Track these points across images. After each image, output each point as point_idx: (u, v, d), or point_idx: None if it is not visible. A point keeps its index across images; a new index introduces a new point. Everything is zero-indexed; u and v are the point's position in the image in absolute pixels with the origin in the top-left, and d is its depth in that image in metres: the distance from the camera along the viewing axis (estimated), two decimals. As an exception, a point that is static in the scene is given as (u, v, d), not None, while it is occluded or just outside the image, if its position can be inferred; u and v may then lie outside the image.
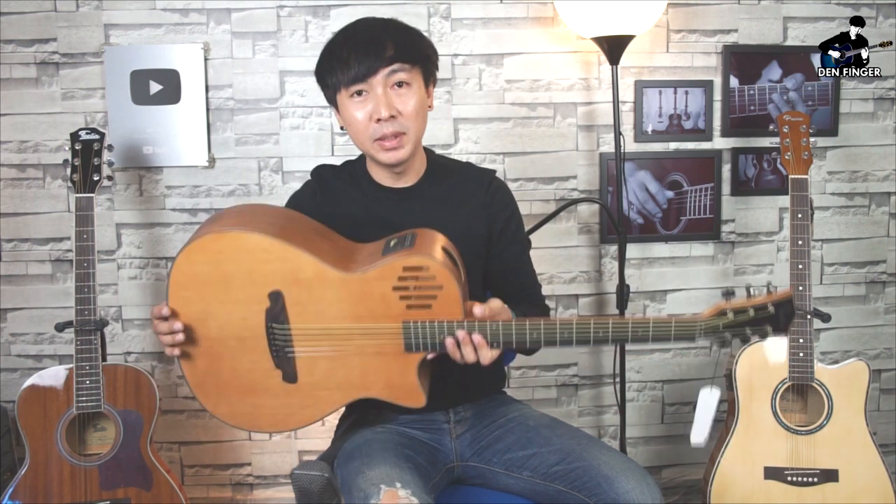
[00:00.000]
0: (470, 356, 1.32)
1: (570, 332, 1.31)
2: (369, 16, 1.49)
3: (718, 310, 1.29)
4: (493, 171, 1.62)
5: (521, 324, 1.31)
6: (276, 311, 1.38)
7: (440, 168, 1.59)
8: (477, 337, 1.30)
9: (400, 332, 1.34)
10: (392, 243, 1.37)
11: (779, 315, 1.27)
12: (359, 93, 1.42)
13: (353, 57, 1.40)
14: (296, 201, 1.60)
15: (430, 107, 1.50)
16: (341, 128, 1.51)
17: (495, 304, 1.35)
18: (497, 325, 1.31)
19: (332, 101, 1.49)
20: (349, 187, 1.56)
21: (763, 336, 1.29)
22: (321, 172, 1.61)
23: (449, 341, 1.31)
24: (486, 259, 1.58)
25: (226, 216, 1.42)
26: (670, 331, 1.30)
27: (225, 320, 1.39)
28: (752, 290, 1.31)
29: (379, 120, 1.41)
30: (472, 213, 1.55)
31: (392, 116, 1.41)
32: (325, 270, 1.35)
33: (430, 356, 1.36)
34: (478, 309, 1.31)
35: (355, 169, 1.59)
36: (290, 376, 1.40)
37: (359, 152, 1.63)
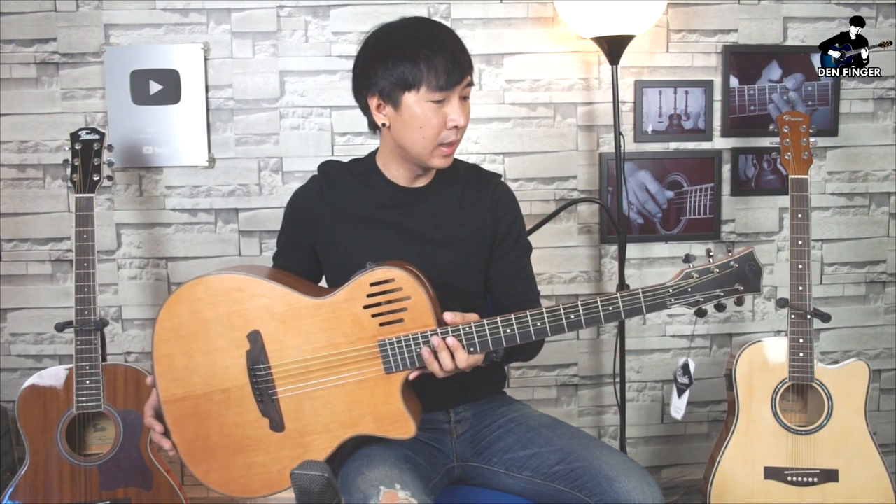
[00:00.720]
0: (447, 363, 1.33)
1: (542, 320, 1.32)
2: (427, 18, 1.51)
3: (682, 273, 1.31)
4: (500, 176, 1.64)
5: (492, 321, 1.33)
6: (256, 352, 1.39)
7: (450, 169, 1.58)
8: (451, 340, 1.32)
9: (377, 352, 1.35)
10: (357, 271, 1.38)
11: (744, 270, 1.30)
12: (438, 99, 1.40)
13: (444, 63, 1.38)
14: (299, 198, 1.59)
15: None
16: (383, 124, 1.47)
17: (471, 315, 1.37)
18: (470, 326, 1.33)
19: (391, 95, 1.42)
20: (359, 185, 1.55)
21: (739, 301, 1.32)
22: (329, 168, 1.60)
23: (425, 351, 1.33)
24: (488, 262, 1.59)
25: (209, 271, 1.45)
26: (640, 302, 1.31)
27: (209, 372, 1.39)
28: (710, 253, 1.33)
29: (454, 127, 1.43)
30: (477, 215, 1.56)
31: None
32: (297, 300, 1.37)
33: (411, 376, 1.36)
34: (448, 315, 1.34)
35: (365, 167, 1.58)
36: (277, 424, 1.40)
37: (363, 152, 1.63)
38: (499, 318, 1.33)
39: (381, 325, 1.35)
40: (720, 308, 1.33)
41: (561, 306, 1.32)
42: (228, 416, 1.40)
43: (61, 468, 1.94)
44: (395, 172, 1.54)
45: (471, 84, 1.45)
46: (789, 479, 1.98)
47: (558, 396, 2.55)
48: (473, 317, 1.37)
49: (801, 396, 2.06)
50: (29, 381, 1.96)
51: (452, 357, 1.33)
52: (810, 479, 1.97)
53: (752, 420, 2.00)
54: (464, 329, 1.33)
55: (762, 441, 1.99)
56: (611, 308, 1.31)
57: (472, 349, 1.34)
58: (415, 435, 1.37)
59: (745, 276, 1.30)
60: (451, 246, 1.52)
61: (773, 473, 1.98)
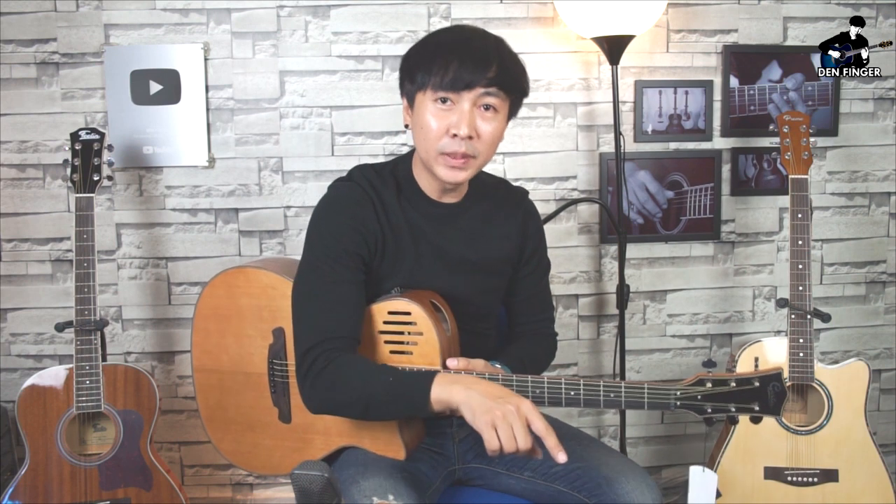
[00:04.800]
0: None
1: (542, 390, 1.31)
2: (478, 26, 1.41)
3: (696, 378, 1.25)
4: (526, 192, 1.60)
5: (493, 378, 1.32)
6: (278, 347, 1.48)
7: (481, 184, 1.54)
8: None
9: None
10: (384, 295, 1.41)
11: (766, 390, 1.21)
12: (444, 100, 1.33)
13: (457, 64, 1.31)
14: (358, 216, 1.41)
15: (501, 138, 1.42)
16: (406, 126, 1.43)
17: (476, 362, 1.37)
18: (472, 375, 1.32)
19: (411, 95, 1.39)
20: (396, 197, 1.45)
21: (756, 419, 1.24)
22: (368, 178, 1.45)
23: None
24: (511, 280, 1.58)
25: (251, 261, 1.56)
26: (643, 397, 1.27)
27: (236, 354, 1.51)
28: (734, 362, 1.28)
29: (455, 136, 1.33)
30: (507, 234, 1.53)
31: (470, 137, 1.33)
32: None
33: None
34: (452, 361, 1.34)
35: (399, 172, 1.48)
36: (285, 416, 1.49)
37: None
38: (500, 376, 1.33)
39: (392, 352, 1.39)
40: (732, 421, 1.26)
41: (563, 381, 1.30)
42: (246, 396, 1.52)
43: (61, 468, 1.94)
44: (426, 183, 1.46)
45: (493, 96, 1.33)
46: (789, 479, 1.98)
47: (558, 396, 2.55)
48: (479, 363, 1.37)
49: (802, 396, 2.06)
50: (29, 381, 1.96)
51: None
52: (810, 479, 1.97)
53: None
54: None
55: (762, 441, 1.99)
56: (612, 395, 1.28)
57: None
58: (403, 459, 1.39)
59: (765, 397, 1.21)
60: (481, 266, 1.50)
61: (773, 473, 1.98)
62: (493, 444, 1.18)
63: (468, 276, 1.48)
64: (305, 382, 1.33)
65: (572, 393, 1.29)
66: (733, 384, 1.23)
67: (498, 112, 1.36)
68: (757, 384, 1.22)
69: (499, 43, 1.37)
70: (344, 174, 1.51)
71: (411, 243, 1.44)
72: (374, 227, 1.41)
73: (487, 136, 1.36)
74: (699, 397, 1.24)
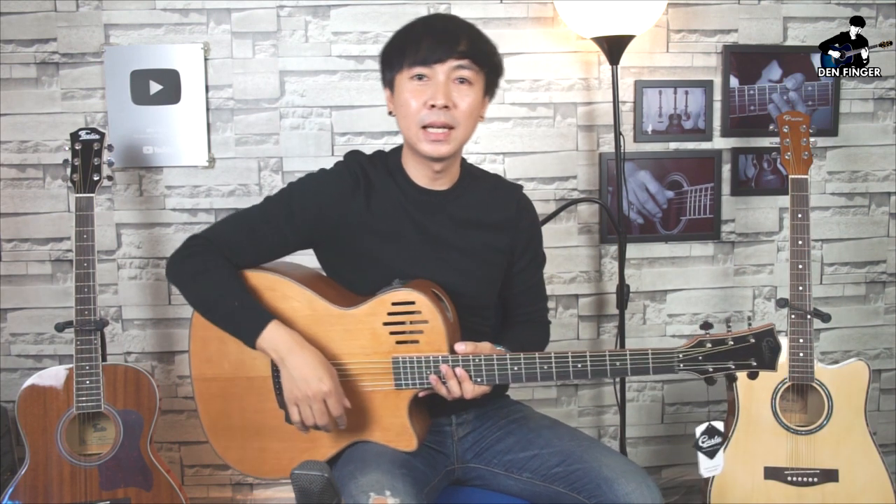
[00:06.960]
0: (455, 390, 1.36)
1: (550, 365, 1.35)
2: (443, 13, 1.50)
3: (696, 340, 1.31)
4: (521, 187, 1.62)
5: (501, 358, 1.36)
6: None
7: (472, 176, 1.58)
8: (460, 370, 1.35)
9: (390, 367, 1.39)
10: (384, 287, 1.42)
11: (760, 346, 1.30)
12: (420, 77, 1.40)
13: (427, 41, 1.39)
14: (329, 193, 1.47)
15: (481, 117, 1.48)
16: (389, 112, 1.49)
17: (483, 345, 1.39)
18: (479, 359, 1.36)
19: (391, 82, 1.46)
20: (386, 179, 1.50)
21: (753, 375, 1.31)
22: (360, 161, 1.51)
23: (433, 378, 1.37)
24: (505, 273, 1.58)
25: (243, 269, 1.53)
26: (648, 362, 1.32)
27: (238, 359, 1.48)
28: (730, 324, 1.33)
29: (433, 107, 1.39)
30: (499, 225, 1.55)
31: (446, 107, 1.39)
32: (323, 307, 1.42)
33: (421, 394, 1.40)
34: (460, 346, 1.37)
35: (389, 161, 1.53)
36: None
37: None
38: (508, 356, 1.36)
39: (398, 342, 1.39)
40: (731, 378, 1.33)
41: (570, 354, 1.34)
42: (250, 401, 1.48)
43: (61, 468, 1.94)
44: (414, 170, 1.50)
45: (466, 68, 1.40)
46: (789, 479, 1.98)
47: (558, 396, 2.55)
48: (486, 346, 1.39)
49: (801, 396, 2.06)
50: (29, 381, 1.96)
51: (459, 385, 1.36)
52: (810, 479, 1.97)
53: (751, 420, 2.00)
54: (473, 360, 1.36)
55: (762, 441, 1.99)
56: (618, 364, 1.33)
57: (478, 380, 1.37)
58: (415, 449, 1.40)
59: (761, 353, 1.30)
60: (470, 255, 1.51)
61: (773, 473, 1.98)
62: (295, 417, 1.38)
63: (458, 264, 1.49)
64: (177, 256, 1.45)
65: (579, 365, 1.34)
66: (731, 342, 1.30)
67: (473, 85, 1.42)
68: (752, 340, 1.30)
69: (468, 24, 1.46)
70: None
71: (400, 226, 1.47)
72: (342, 210, 1.46)
73: (464, 107, 1.42)
74: (700, 358, 1.31)
